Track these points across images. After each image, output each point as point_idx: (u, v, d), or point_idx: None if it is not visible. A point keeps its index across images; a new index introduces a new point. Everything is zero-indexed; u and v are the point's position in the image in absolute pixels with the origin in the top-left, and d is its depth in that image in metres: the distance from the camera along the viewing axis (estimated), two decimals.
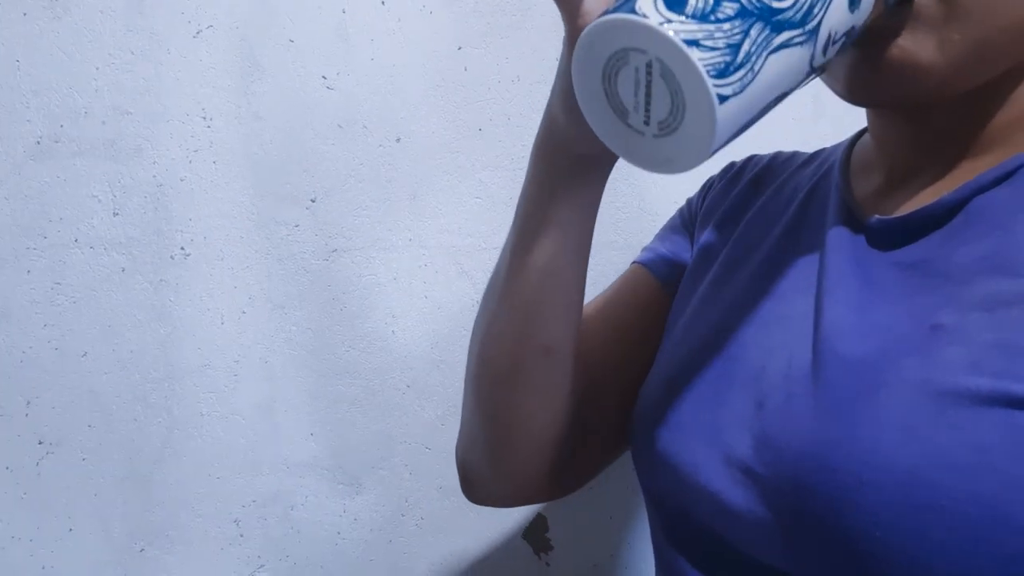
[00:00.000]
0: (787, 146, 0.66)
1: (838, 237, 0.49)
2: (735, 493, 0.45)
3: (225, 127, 0.81)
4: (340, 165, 0.84)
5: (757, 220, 0.59)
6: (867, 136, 0.56)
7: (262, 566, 0.86)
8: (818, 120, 0.87)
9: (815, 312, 0.47)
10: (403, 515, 0.88)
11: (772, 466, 0.42)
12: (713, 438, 0.48)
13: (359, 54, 0.83)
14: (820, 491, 0.39)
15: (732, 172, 0.67)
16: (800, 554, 0.41)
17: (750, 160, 0.66)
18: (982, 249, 0.41)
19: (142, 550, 0.83)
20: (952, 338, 0.39)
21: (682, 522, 0.51)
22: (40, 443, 0.80)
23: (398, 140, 0.85)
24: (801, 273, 0.51)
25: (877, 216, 0.48)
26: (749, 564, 0.45)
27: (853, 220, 0.50)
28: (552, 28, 0.83)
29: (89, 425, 0.81)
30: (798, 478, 0.40)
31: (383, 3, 0.83)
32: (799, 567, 0.42)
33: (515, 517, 0.90)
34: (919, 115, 0.47)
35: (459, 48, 0.84)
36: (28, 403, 0.79)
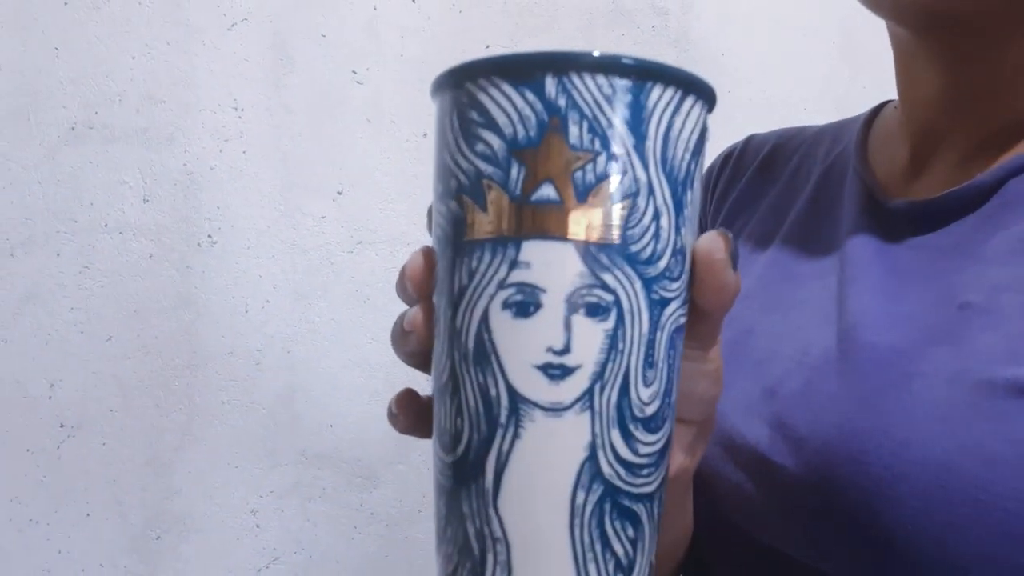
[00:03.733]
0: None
1: (859, 221, 0.48)
2: (750, 485, 0.44)
3: (256, 118, 0.83)
4: (367, 158, 0.85)
5: (770, 209, 0.57)
6: (888, 109, 0.54)
7: (277, 558, 0.85)
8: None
9: (837, 299, 0.45)
10: (420, 511, 0.88)
11: (794, 456, 0.41)
12: (719, 425, 0.46)
13: (389, 50, 0.84)
14: (851, 484, 0.37)
15: (734, 158, 0.63)
16: (826, 547, 0.40)
17: (750, 142, 0.62)
18: (1019, 232, 0.40)
19: (158, 537, 0.82)
20: (984, 322, 0.38)
21: (705, 517, 0.49)
22: (62, 426, 0.80)
23: (425, 135, 0.86)
24: (818, 258, 0.49)
25: (903, 199, 0.47)
26: (774, 556, 0.44)
27: (874, 204, 0.48)
28: (578, 31, 0.84)
29: (111, 410, 0.81)
30: (826, 469, 0.39)
31: (413, 1, 0.84)
32: (824, 560, 0.40)
33: None
34: (959, 62, 0.45)
35: (487, 47, 0.85)
36: (52, 386, 0.79)
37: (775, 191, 0.56)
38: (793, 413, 0.42)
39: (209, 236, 0.82)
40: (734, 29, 0.92)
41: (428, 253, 0.29)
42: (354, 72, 0.84)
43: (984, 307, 0.38)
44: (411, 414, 0.33)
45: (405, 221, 0.85)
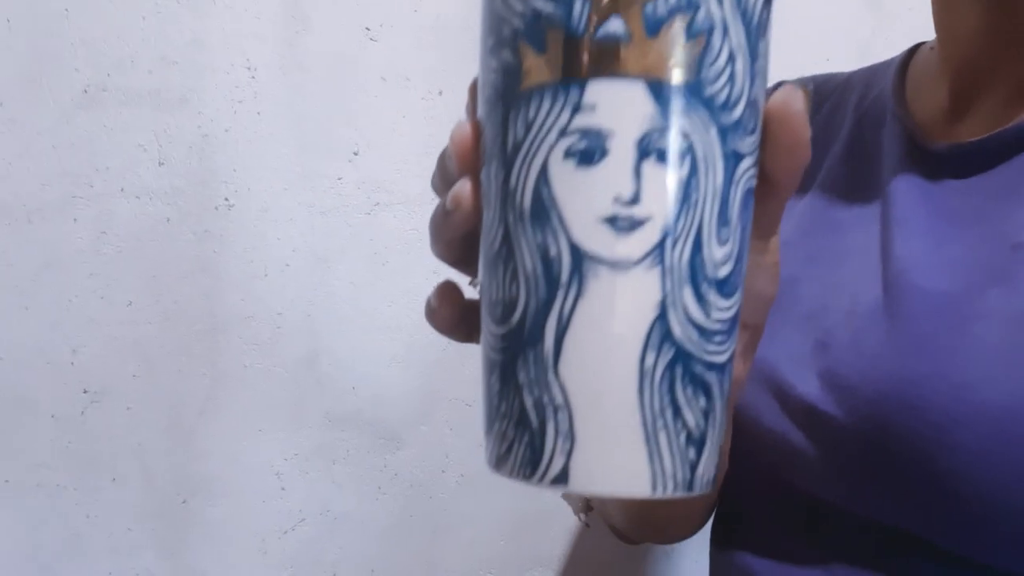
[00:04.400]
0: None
1: (901, 165, 0.47)
2: (799, 436, 0.43)
3: (269, 78, 0.81)
4: (383, 118, 0.84)
5: None
6: (923, 51, 0.53)
7: (303, 520, 0.86)
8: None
9: (881, 247, 0.44)
10: (444, 471, 0.88)
11: (846, 406, 0.40)
12: (768, 377, 0.46)
13: (402, 5, 0.83)
14: (907, 432, 0.36)
15: None
16: (878, 497, 0.39)
17: (780, 87, 0.63)
18: None
19: (184, 501, 0.83)
20: None
21: (742, 467, 0.49)
22: (85, 392, 0.80)
23: (440, 93, 0.84)
24: (859, 205, 0.48)
25: (947, 142, 0.45)
26: (818, 506, 0.43)
27: (916, 147, 0.47)
28: None
29: (134, 375, 0.81)
30: (880, 418, 0.38)
31: None
32: (875, 509, 0.40)
33: None
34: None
35: None
36: (74, 351, 0.79)
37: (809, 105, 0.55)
38: (844, 364, 0.41)
39: (226, 199, 0.81)
40: None
41: (474, 122, 0.27)
42: (367, 29, 0.83)
43: None
44: (453, 308, 0.31)
45: (422, 182, 0.84)
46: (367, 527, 0.87)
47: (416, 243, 0.85)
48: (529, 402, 0.25)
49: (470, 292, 0.30)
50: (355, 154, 0.84)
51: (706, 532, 0.57)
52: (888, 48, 0.59)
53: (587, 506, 0.92)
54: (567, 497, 0.91)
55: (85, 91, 0.78)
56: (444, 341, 0.87)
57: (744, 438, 0.46)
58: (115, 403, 0.81)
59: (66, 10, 0.77)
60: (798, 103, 0.26)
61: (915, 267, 0.41)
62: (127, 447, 0.81)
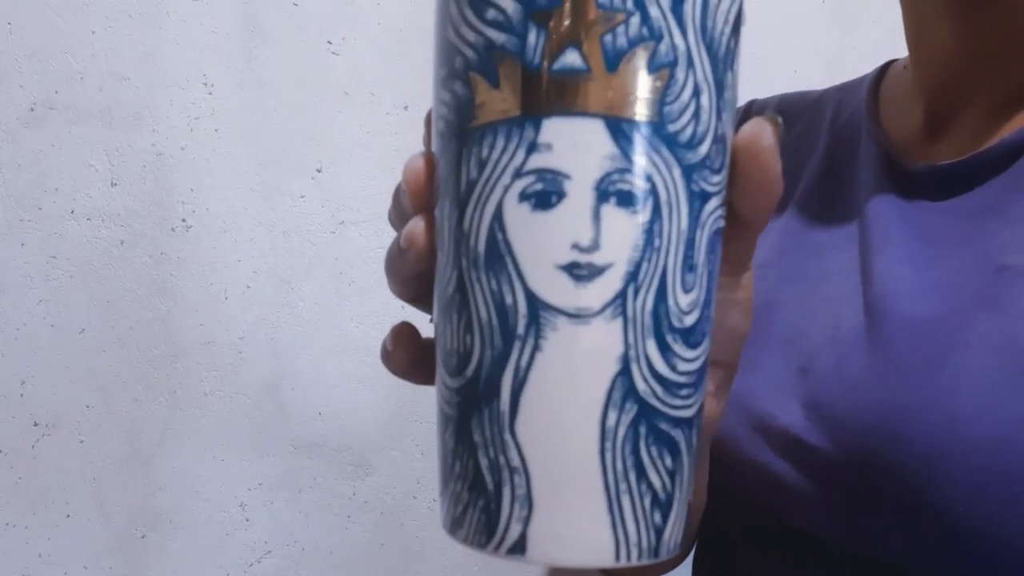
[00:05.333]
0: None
1: (878, 187, 0.46)
2: (783, 467, 0.41)
3: (227, 94, 0.78)
4: (346, 134, 0.81)
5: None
6: (896, 69, 0.52)
7: (269, 552, 0.82)
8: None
9: (862, 270, 0.43)
10: (415, 497, 0.85)
11: (831, 438, 0.38)
12: (747, 406, 0.44)
13: (365, 18, 0.80)
14: (894, 465, 0.35)
15: None
16: (867, 531, 0.38)
17: (751, 107, 0.61)
18: None
19: (143, 536, 0.79)
20: None
21: (725, 494, 0.47)
22: (36, 425, 0.76)
23: (406, 108, 0.82)
24: (836, 226, 0.47)
25: (924, 162, 0.45)
26: (804, 538, 0.42)
27: (893, 167, 0.46)
28: None
29: (87, 406, 0.77)
30: (867, 451, 0.36)
31: None
32: (865, 543, 0.39)
33: None
34: (975, 14, 0.42)
35: None
36: (23, 383, 0.75)
37: (783, 159, 0.54)
38: (827, 393, 0.40)
39: (183, 220, 0.78)
40: None
41: (428, 157, 0.25)
42: (329, 43, 0.80)
43: None
44: (409, 350, 0.29)
45: (389, 198, 0.82)
46: (336, 557, 0.84)
47: (383, 261, 0.82)
48: (484, 463, 0.23)
49: (430, 329, 0.28)
50: (318, 171, 0.81)
51: (689, 564, 0.56)
52: (856, 59, 0.58)
53: None
54: None
55: (31, 109, 0.74)
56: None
57: (726, 470, 0.44)
58: (68, 435, 0.77)
59: (9, 24, 0.74)
60: (768, 138, 0.24)
61: (897, 292, 0.40)
62: (81, 481, 0.78)
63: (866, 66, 0.55)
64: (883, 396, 0.37)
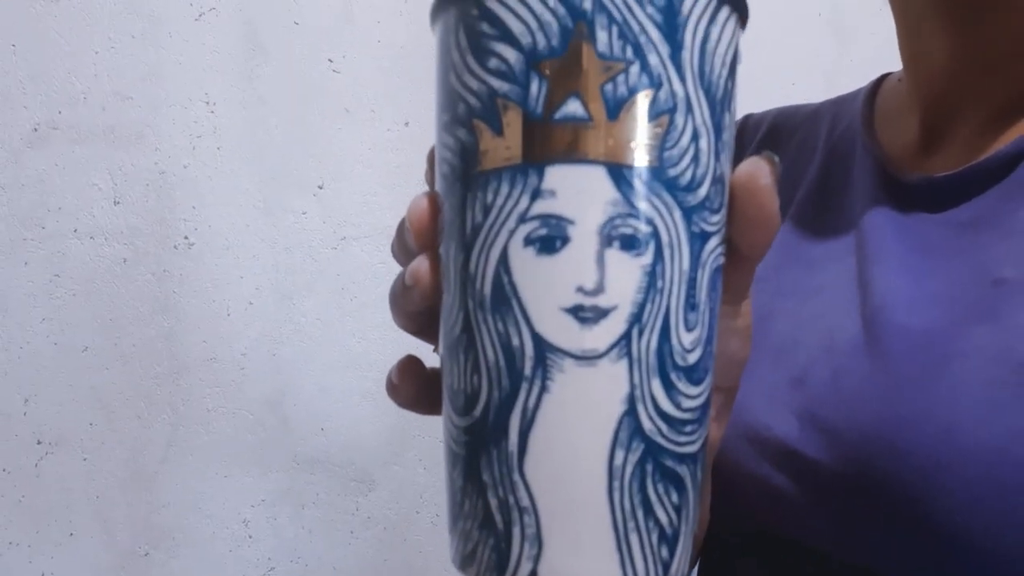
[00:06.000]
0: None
1: (874, 198, 0.46)
2: (780, 479, 0.41)
3: (229, 112, 0.79)
4: (348, 150, 0.82)
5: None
6: (890, 82, 0.52)
7: (272, 568, 0.82)
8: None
9: (859, 282, 0.43)
10: (418, 512, 0.85)
11: (828, 449, 0.39)
12: (742, 418, 0.44)
13: (366, 36, 0.81)
14: (892, 476, 0.35)
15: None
16: (866, 543, 0.38)
17: (747, 121, 0.60)
18: None
19: (147, 554, 0.79)
20: (1022, 298, 0.36)
21: (723, 505, 0.47)
22: (39, 443, 0.76)
23: (407, 124, 0.83)
24: (832, 239, 0.47)
25: (920, 174, 0.45)
26: (802, 550, 0.42)
27: (889, 179, 0.46)
28: None
29: (90, 423, 0.77)
30: (864, 462, 0.36)
31: None
32: (864, 555, 0.38)
33: None
34: (969, 27, 0.42)
35: None
36: (26, 401, 0.76)
37: (778, 177, 0.54)
38: (824, 404, 0.40)
39: (185, 238, 0.79)
40: None
41: (432, 197, 0.26)
42: (330, 60, 0.81)
43: (1021, 281, 0.36)
44: (415, 384, 0.29)
45: (390, 214, 0.82)
46: (340, 573, 0.83)
47: (385, 276, 0.83)
48: (494, 503, 0.23)
49: (433, 359, 0.29)
50: (320, 187, 0.81)
51: None
52: (853, 72, 0.59)
53: None
54: None
55: (35, 129, 0.75)
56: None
57: (723, 481, 0.44)
58: (71, 454, 0.77)
59: (13, 46, 0.74)
60: (765, 177, 0.25)
61: (893, 304, 0.40)
62: (84, 499, 0.78)
63: (864, 78, 0.55)
64: (880, 407, 0.37)
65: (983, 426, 0.33)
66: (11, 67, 0.74)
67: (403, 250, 0.29)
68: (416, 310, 0.27)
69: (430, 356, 0.28)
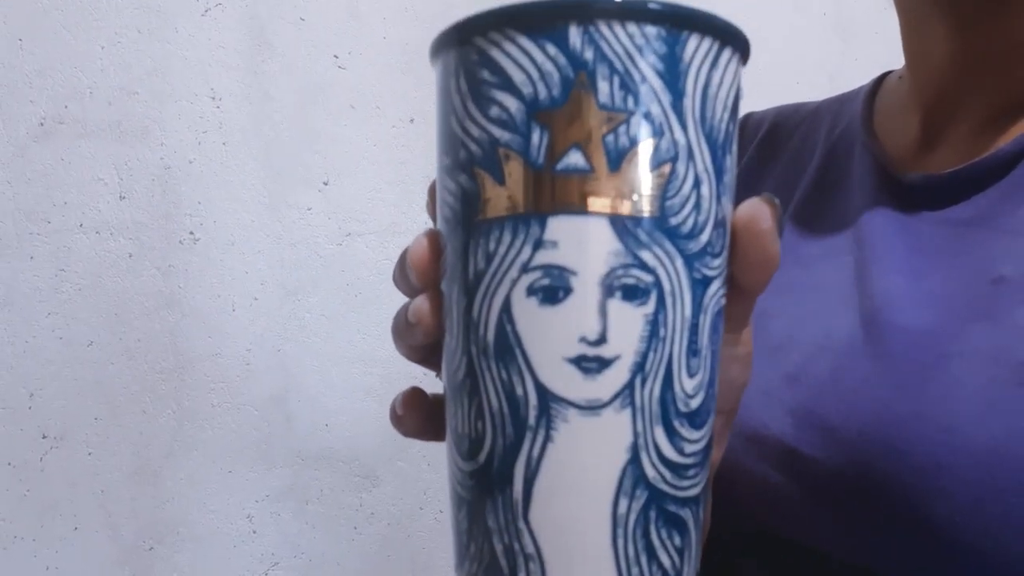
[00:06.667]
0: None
1: (873, 197, 0.46)
2: (777, 478, 0.41)
3: (235, 107, 0.79)
4: (353, 147, 0.82)
5: (772, 188, 0.54)
6: (891, 81, 0.52)
7: (276, 563, 0.82)
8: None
9: (857, 280, 0.43)
10: (422, 508, 0.85)
11: (826, 448, 0.38)
12: (738, 416, 0.44)
13: (371, 33, 0.81)
14: (891, 476, 0.35)
15: None
16: (865, 542, 0.38)
17: (748, 120, 0.60)
18: None
19: (151, 548, 0.79)
20: (1022, 297, 0.36)
21: (721, 505, 0.47)
22: (44, 437, 0.76)
23: (412, 120, 0.83)
24: (829, 237, 0.47)
25: (920, 173, 0.45)
26: (801, 550, 0.42)
27: (888, 178, 0.46)
28: None
29: (95, 418, 0.77)
30: (862, 462, 0.36)
31: None
32: (863, 555, 0.38)
33: None
34: (972, 25, 0.42)
35: None
36: (31, 395, 0.76)
37: (777, 170, 0.54)
38: (821, 402, 0.39)
39: (191, 233, 0.79)
40: (725, 4, 0.89)
41: (433, 237, 0.26)
42: (336, 57, 0.81)
43: (1020, 280, 0.36)
44: (419, 416, 0.29)
45: (395, 211, 0.82)
46: (343, 569, 0.84)
47: (389, 272, 0.83)
48: (499, 548, 0.23)
49: (436, 385, 0.29)
50: (325, 184, 0.81)
51: None
52: (857, 72, 0.59)
53: None
54: None
55: (41, 123, 0.75)
56: (421, 372, 0.85)
57: (722, 482, 0.44)
58: (76, 448, 0.77)
59: (20, 40, 0.74)
60: (766, 220, 0.25)
61: (892, 303, 0.40)
62: (89, 493, 0.78)
63: (868, 78, 0.55)
64: (879, 406, 0.37)
65: (982, 426, 0.33)
66: (17, 61, 0.74)
67: (405, 281, 0.29)
68: (419, 344, 0.28)
69: (434, 381, 0.29)
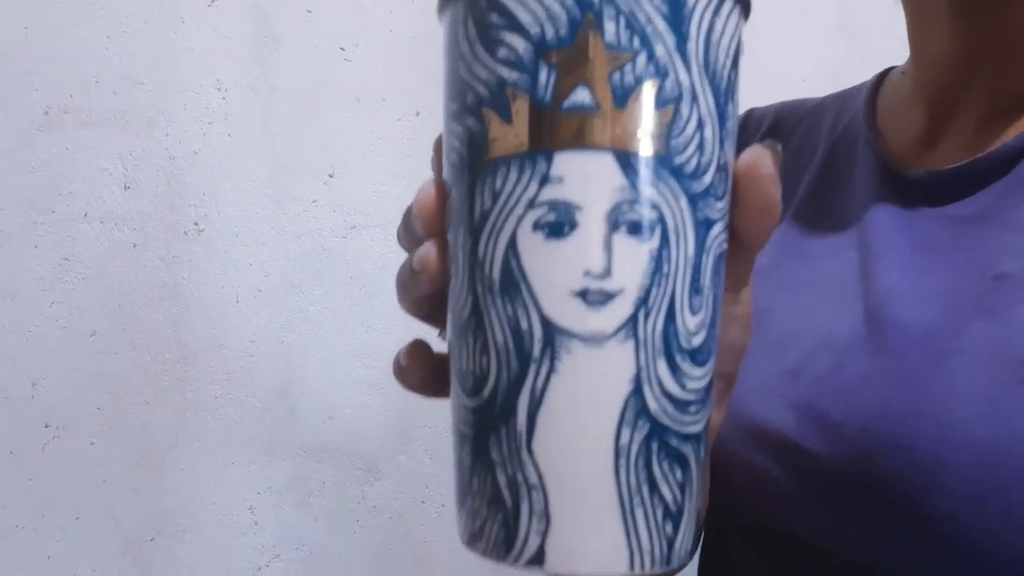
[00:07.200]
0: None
1: (876, 193, 0.45)
2: (778, 472, 0.41)
3: (240, 99, 0.79)
4: (358, 139, 0.82)
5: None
6: (894, 76, 0.52)
7: (277, 555, 0.82)
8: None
9: (861, 276, 0.43)
10: (424, 502, 0.85)
11: (827, 443, 0.38)
12: (739, 409, 0.44)
13: (378, 25, 0.81)
14: (892, 472, 0.35)
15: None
16: (865, 538, 0.38)
17: (750, 116, 0.60)
18: None
19: (152, 539, 0.79)
20: (1023, 293, 0.36)
21: (722, 498, 0.47)
22: (46, 426, 0.76)
23: (417, 114, 0.83)
24: (832, 233, 0.47)
25: (922, 169, 0.45)
26: (802, 544, 0.42)
27: (891, 174, 0.46)
28: None
29: (98, 408, 0.77)
30: (863, 458, 0.36)
31: None
32: (862, 550, 0.38)
33: None
34: (976, 19, 0.42)
35: None
36: (34, 384, 0.76)
37: (781, 166, 0.54)
38: (823, 397, 0.40)
39: (195, 224, 0.79)
40: None
41: (439, 184, 0.26)
42: (342, 49, 0.81)
43: (1022, 277, 0.36)
44: (423, 368, 0.29)
45: (400, 204, 0.82)
46: (345, 562, 0.84)
47: (394, 266, 0.83)
48: (502, 480, 0.24)
49: (439, 344, 0.29)
50: (330, 176, 0.81)
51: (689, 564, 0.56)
52: (862, 72, 0.59)
53: None
54: None
55: (46, 113, 0.75)
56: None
57: (722, 474, 0.44)
58: (78, 438, 0.77)
59: (25, 28, 0.74)
60: (767, 166, 0.25)
61: (894, 299, 0.40)
62: (91, 483, 0.78)
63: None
64: (880, 402, 0.37)
65: (983, 422, 0.33)
66: (23, 50, 0.74)
67: (409, 237, 0.29)
68: (423, 295, 0.28)
69: (437, 343, 0.29)
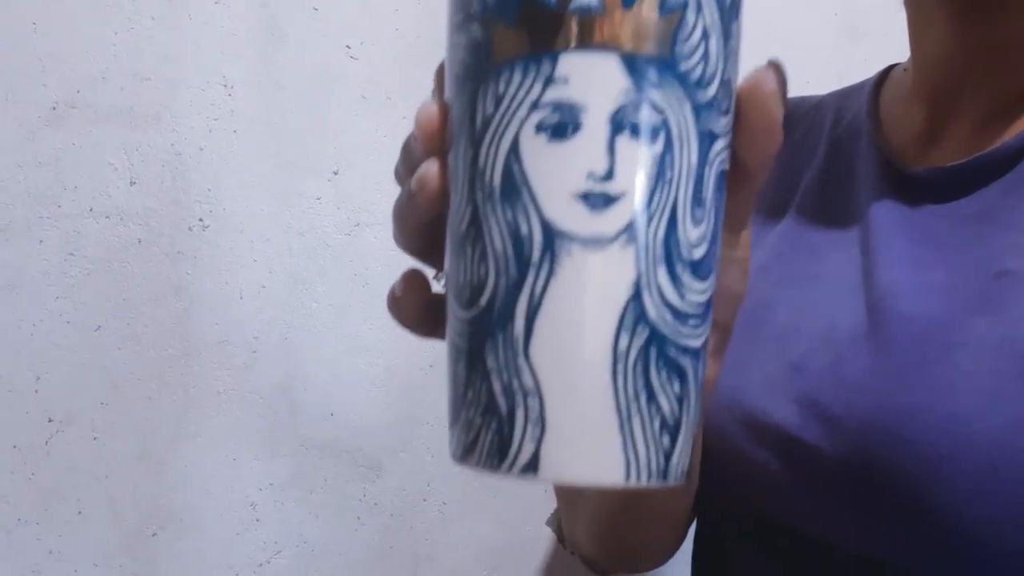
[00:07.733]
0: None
1: (878, 190, 0.46)
2: (778, 465, 0.41)
3: (246, 96, 0.79)
4: (363, 137, 0.82)
5: (778, 180, 0.54)
6: (896, 73, 0.52)
7: (279, 552, 0.82)
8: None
9: (863, 271, 0.43)
10: (425, 500, 0.85)
11: (829, 436, 0.38)
12: (739, 403, 0.44)
13: (384, 24, 0.81)
14: (893, 466, 0.35)
15: None
16: (866, 531, 0.38)
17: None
18: None
19: (154, 534, 0.79)
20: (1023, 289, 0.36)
21: (721, 492, 0.47)
22: (50, 421, 0.76)
23: None
24: (835, 229, 0.47)
25: (925, 166, 0.45)
26: (802, 538, 0.42)
27: (893, 171, 0.46)
28: None
29: (101, 403, 0.77)
30: (864, 451, 0.36)
31: None
32: (863, 544, 0.39)
33: (541, 504, 0.87)
34: (977, 17, 0.42)
35: None
36: (38, 379, 0.76)
37: (782, 162, 0.54)
38: (824, 391, 0.40)
39: (200, 220, 0.79)
40: None
41: (441, 103, 0.26)
42: (348, 47, 0.81)
43: (1023, 274, 0.36)
44: (418, 300, 0.28)
45: None
46: (346, 559, 0.84)
47: (398, 264, 0.82)
48: (498, 387, 0.23)
49: (436, 287, 0.29)
50: (335, 173, 0.82)
51: (688, 561, 0.56)
52: (866, 72, 0.59)
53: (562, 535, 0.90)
54: (551, 524, 0.89)
55: (53, 108, 0.75)
56: (426, 364, 0.85)
57: (721, 468, 0.44)
58: (81, 432, 0.77)
59: (34, 24, 0.75)
60: (770, 83, 0.25)
61: (897, 293, 0.40)
62: (94, 478, 0.78)
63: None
64: (883, 396, 0.37)
65: (985, 417, 0.33)
66: (31, 45, 0.75)
67: (408, 165, 0.28)
68: (422, 221, 0.27)
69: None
